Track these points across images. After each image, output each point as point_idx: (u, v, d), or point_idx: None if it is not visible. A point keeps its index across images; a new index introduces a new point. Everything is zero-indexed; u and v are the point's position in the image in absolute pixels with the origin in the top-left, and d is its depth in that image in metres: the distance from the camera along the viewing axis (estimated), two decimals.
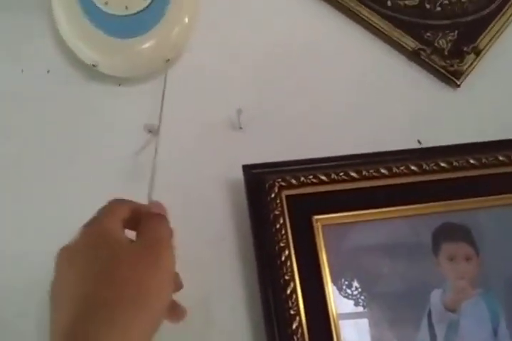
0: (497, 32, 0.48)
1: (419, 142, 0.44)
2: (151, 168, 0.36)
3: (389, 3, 0.48)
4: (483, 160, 0.41)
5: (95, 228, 0.30)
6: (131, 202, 0.32)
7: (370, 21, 0.47)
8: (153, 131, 0.38)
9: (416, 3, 0.49)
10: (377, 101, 0.45)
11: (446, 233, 0.39)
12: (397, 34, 0.47)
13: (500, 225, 0.40)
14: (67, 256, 0.29)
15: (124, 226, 0.31)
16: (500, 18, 0.49)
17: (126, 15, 0.40)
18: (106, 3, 0.39)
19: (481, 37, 0.48)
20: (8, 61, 0.42)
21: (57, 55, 0.42)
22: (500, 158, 0.41)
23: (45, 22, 0.42)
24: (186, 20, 0.41)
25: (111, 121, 0.41)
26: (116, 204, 0.31)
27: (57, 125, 0.41)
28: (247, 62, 0.43)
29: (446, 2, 0.49)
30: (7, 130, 0.41)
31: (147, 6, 0.40)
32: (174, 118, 0.40)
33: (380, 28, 0.47)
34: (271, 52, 0.44)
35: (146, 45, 0.40)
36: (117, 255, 0.28)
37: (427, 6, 0.49)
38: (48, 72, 0.42)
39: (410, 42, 0.47)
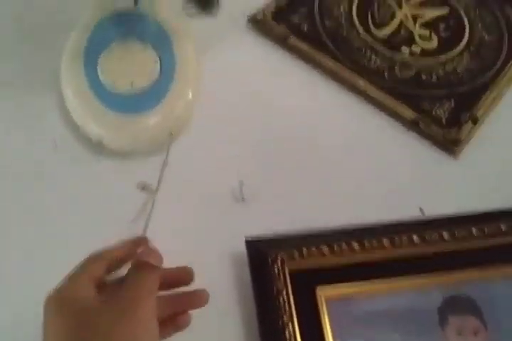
0: (493, 100, 0.50)
1: (421, 210, 0.44)
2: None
3: (386, 75, 0.50)
4: (486, 231, 0.41)
5: (64, 294, 0.29)
6: (110, 253, 0.32)
7: (369, 93, 0.49)
8: (146, 188, 0.39)
9: (412, 74, 0.50)
10: (377, 170, 0.45)
11: (453, 306, 0.39)
12: (395, 105, 0.48)
13: (507, 296, 0.40)
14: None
15: (98, 284, 0.30)
16: (495, 87, 0.50)
17: (132, 92, 0.41)
18: (112, 81, 0.41)
19: (478, 105, 0.49)
20: (17, 135, 0.44)
21: (64, 131, 0.43)
22: (503, 229, 0.41)
23: (54, 98, 0.43)
24: (190, 95, 0.42)
25: (111, 190, 0.41)
26: (88, 263, 0.31)
27: (60, 193, 0.42)
28: (248, 135, 0.44)
29: (442, 72, 0.51)
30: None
31: (153, 83, 0.41)
32: (176, 189, 0.41)
33: (378, 99, 0.49)
34: (272, 125, 0.45)
35: (152, 121, 0.41)
36: (85, 322, 0.28)
37: (423, 77, 0.50)
38: (55, 146, 0.43)
39: (408, 113, 0.48)
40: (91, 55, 0.41)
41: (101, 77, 0.41)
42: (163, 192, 0.40)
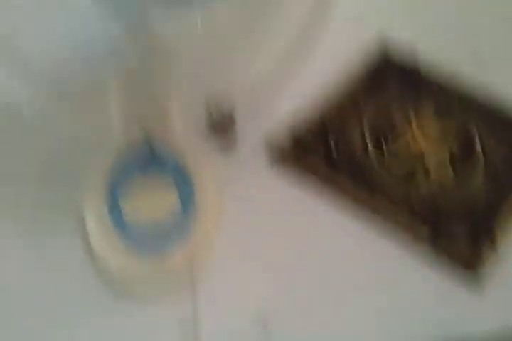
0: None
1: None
2: None
3: (403, 198, 0.51)
4: None
5: None
6: None
7: (388, 217, 0.50)
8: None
9: (429, 196, 0.52)
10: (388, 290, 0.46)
11: None
12: (413, 225, 0.49)
13: None
14: None
15: None
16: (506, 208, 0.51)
17: (155, 231, 0.42)
18: (136, 220, 0.42)
19: (495, 227, 0.50)
20: (39, 274, 0.45)
21: (87, 267, 0.44)
22: None
23: (78, 237, 0.45)
24: (211, 233, 0.43)
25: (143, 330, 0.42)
26: None
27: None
28: (270, 267, 0.45)
29: (456, 194, 0.52)
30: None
31: (174, 221, 0.42)
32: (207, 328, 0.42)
33: (397, 221, 0.50)
34: (293, 256, 0.46)
35: (175, 261, 0.42)
36: None
37: (440, 198, 0.52)
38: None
39: (424, 232, 0.49)
40: (113, 193, 0.43)
41: (124, 216, 0.42)
42: None
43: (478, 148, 0.56)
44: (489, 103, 0.58)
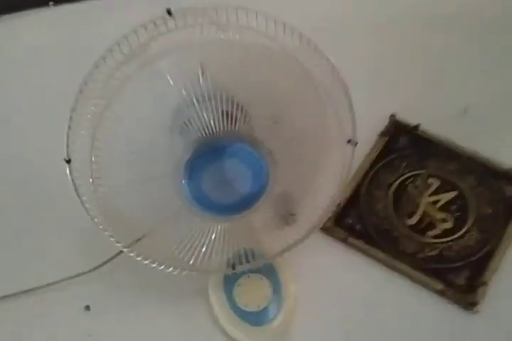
0: (497, 264, 0.76)
1: None
2: None
3: (419, 256, 0.76)
4: None
5: None
6: None
7: (407, 272, 0.74)
8: None
9: (437, 252, 0.77)
10: (413, 329, 0.71)
11: None
12: (426, 279, 0.74)
13: None
14: None
15: None
16: (497, 253, 0.76)
17: (258, 311, 0.69)
18: (245, 305, 0.69)
19: (486, 271, 0.75)
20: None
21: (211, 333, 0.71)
22: None
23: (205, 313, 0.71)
24: (294, 307, 0.70)
25: None
26: None
27: None
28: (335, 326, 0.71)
29: (458, 248, 0.77)
30: None
31: (269, 303, 0.69)
32: None
33: (414, 276, 0.74)
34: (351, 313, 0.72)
35: (273, 326, 0.69)
36: None
37: (445, 253, 0.76)
38: None
39: (438, 285, 0.74)
40: (228, 287, 0.69)
41: (237, 302, 0.69)
42: None
43: (472, 203, 0.79)
44: (479, 159, 0.80)
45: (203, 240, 0.61)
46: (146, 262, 0.61)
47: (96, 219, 0.58)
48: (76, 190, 0.57)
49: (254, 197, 0.60)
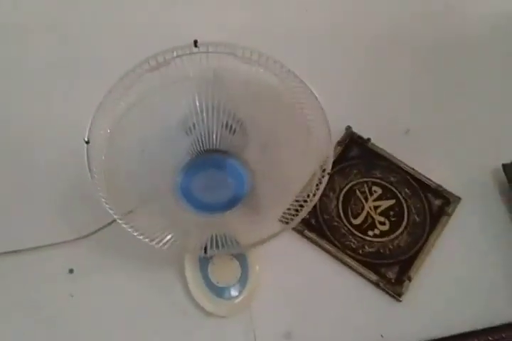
0: (421, 263, 0.93)
1: (381, 336, 0.87)
2: None
3: (360, 251, 0.92)
4: None
5: None
6: None
7: (350, 264, 0.89)
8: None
9: (375, 249, 0.92)
10: (350, 311, 0.87)
11: None
12: (365, 271, 0.90)
13: None
14: None
15: None
16: (422, 254, 0.93)
17: (225, 286, 0.81)
18: (217, 281, 0.81)
19: (412, 268, 0.92)
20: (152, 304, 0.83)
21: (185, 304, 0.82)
22: None
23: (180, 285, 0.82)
24: (257, 285, 0.83)
25: None
26: None
27: None
28: (291, 300, 0.85)
29: (391, 247, 0.93)
30: None
31: (237, 280, 0.82)
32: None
33: (355, 268, 0.88)
34: (305, 288, 0.87)
35: (236, 300, 0.82)
36: None
37: (381, 251, 0.92)
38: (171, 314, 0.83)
39: (373, 276, 0.90)
40: (203, 265, 0.81)
41: (210, 278, 0.81)
42: None
43: (406, 211, 0.96)
44: (414, 171, 0.95)
45: (183, 225, 0.71)
46: (135, 234, 0.69)
47: (99, 188, 0.66)
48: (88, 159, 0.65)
49: (232, 204, 0.71)
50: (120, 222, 0.66)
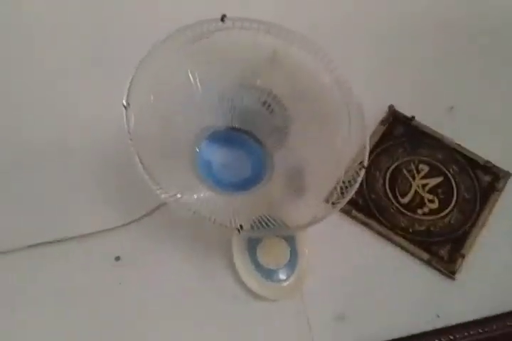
0: (474, 241, 0.89)
1: (437, 316, 0.84)
2: None
3: (410, 230, 0.89)
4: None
5: None
6: None
7: (400, 243, 0.87)
8: None
9: (425, 228, 0.89)
10: (403, 291, 0.84)
11: None
12: (416, 250, 0.87)
13: None
14: None
15: None
16: (473, 232, 0.90)
17: (277, 268, 0.79)
18: (267, 263, 0.79)
19: (464, 246, 0.89)
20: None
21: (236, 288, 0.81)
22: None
23: (229, 270, 0.81)
24: (306, 269, 0.80)
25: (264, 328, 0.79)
26: None
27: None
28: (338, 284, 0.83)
29: (442, 224, 0.90)
30: None
31: (287, 262, 0.79)
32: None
33: (406, 247, 0.87)
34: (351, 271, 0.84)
35: (286, 283, 0.79)
36: None
37: (431, 229, 0.89)
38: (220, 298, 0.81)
39: (425, 255, 0.87)
40: (251, 247, 0.79)
41: (259, 260, 0.79)
42: None
43: (455, 188, 0.93)
44: (460, 147, 0.93)
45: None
46: (190, 212, 0.66)
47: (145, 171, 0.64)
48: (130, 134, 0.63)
49: (250, 183, 0.70)
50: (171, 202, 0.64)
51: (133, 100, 0.62)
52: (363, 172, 0.66)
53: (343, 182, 0.69)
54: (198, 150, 0.65)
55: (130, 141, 0.61)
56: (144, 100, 0.65)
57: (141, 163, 0.61)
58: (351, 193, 0.68)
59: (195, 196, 0.66)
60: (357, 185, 0.67)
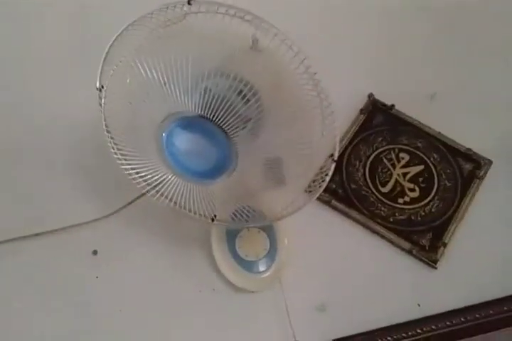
0: (454, 229, 0.89)
1: (418, 305, 0.84)
2: None
3: (391, 219, 0.88)
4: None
5: None
6: None
7: (380, 232, 0.86)
8: None
9: (406, 217, 0.88)
10: (384, 281, 0.84)
11: None
12: (397, 239, 0.86)
13: None
14: None
15: None
16: (455, 220, 0.89)
17: (256, 259, 0.78)
18: (245, 254, 0.78)
19: (445, 234, 0.88)
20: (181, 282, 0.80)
21: (213, 279, 0.79)
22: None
23: (207, 261, 0.79)
24: (285, 259, 0.79)
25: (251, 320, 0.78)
26: None
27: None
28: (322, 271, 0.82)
29: (423, 213, 0.89)
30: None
31: (266, 254, 0.78)
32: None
33: (386, 236, 0.86)
34: (336, 263, 0.83)
35: (266, 274, 0.78)
36: None
37: (412, 218, 0.88)
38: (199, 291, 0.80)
39: (406, 244, 0.86)
40: (231, 239, 0.78)
41: (238, 251, 0.78)
42: None
43: (435, 177, 0.92)
44: (443, 138, 0.92)
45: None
46: (167, 202, 0.67)
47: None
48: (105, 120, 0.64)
49: (213, 174, 0.68)
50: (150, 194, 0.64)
51: (108, 85, 0.63)
52: (333, 166, 0.65)
53: (321, 172, 0.67)
54: (164, 135, 0.63)
55: (105, 127, 0.60)
56: (118, 84, 0.65)
57: (117, 150, 0.62)
58: (324, 185, 0.68)
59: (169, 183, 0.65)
60: (328, 179, 0.67)
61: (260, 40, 0.66)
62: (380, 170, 0.87)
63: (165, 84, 0.62)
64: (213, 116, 0.60)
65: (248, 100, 0.65)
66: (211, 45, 0.64)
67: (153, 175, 0.64)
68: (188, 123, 0.63)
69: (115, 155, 0.63)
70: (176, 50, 0.63)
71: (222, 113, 0.60)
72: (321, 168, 0.67)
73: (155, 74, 0.62)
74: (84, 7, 0.93)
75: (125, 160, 0.64)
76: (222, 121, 0.60)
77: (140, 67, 0.63)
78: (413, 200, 0.87)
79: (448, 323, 0.77)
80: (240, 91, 0.65)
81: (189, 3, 0.60)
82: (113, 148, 0.63)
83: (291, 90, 0.67)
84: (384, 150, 0.90)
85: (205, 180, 0.66)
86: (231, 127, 0.61)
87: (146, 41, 0.63)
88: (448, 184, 0.89)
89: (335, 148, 0.66)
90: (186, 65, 0.62)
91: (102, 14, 0.91)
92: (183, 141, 0.63)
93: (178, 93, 0.62)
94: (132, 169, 0.64)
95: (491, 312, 0.78)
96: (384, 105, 0.93)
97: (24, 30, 0.91)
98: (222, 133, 0.61)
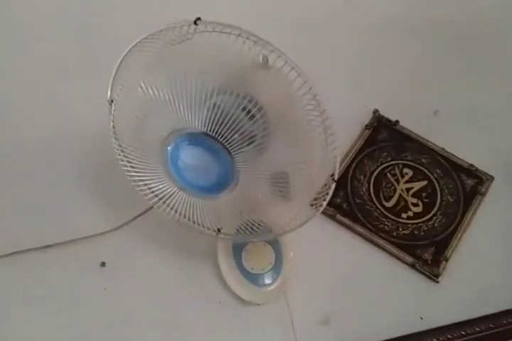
0: (457, 244, 0.90)
1: (421, 318, 0.85)
2: None
3: (394, 234, 0.89)
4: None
5: None
6: None
7: (384, 246, 0.87)
8: None
9: (409, 231, 0.90)
10: (387, 294, 0.85)
11: None
12: (400, 253, 0.87)
13: None
14: None
15: None
16: (457, 235, 0.90)
17: (262, 273, 0.79)
18: (251, 267, 0.79)
19: (448, 249, 0.89)
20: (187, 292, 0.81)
21: (219, 292, 0.81)
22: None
23: (213, 273, 0.81)
24: (292, 273, 0.81)
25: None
26: None
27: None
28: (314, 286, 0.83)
29: (426, 228, 0.90)
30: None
31: (272, 267, 0.80)
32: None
33: (390, 250, 0.87)
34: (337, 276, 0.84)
35: (271, 287, 0.79)
36: None
37: (415, 232, 0.90)
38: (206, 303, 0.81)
39: (409, 258, 0.88)
40: (237, 252, 0.79)
41: (244, 265, 0.79)
42: None
43: (439, 192, 0.93)
44: (444, 152, 0.93)
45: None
46: (173, 214, 0.68)
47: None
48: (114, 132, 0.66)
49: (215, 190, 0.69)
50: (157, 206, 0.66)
51: (118, 97, 0.65)
52: (333, 186, 0.66)
53: (323, 190, 0.69)
54: (169, 149, 0.64)
55: (114, 139, 0.63)
56: (126, 98, 0.66)
57: (126, 162, 0.64)
58: (325, 204, 0.68)
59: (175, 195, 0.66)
60: (328, 198, 0.67)
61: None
62: (384, 185, 0.89)
63: (170, 100, 0.63)
64: (217, 133, 0.61)
65: (253, 116, 0.66)
66: (216, 63, 0.66)
67: (161, 186, 0.66)
68: (194, 139, 0.64)
69: (124, 167, 0.64)
70: (181, 67, 0.64)
71: (225, 130, 0.61)
72: (323, 186, 0.68)
73: (160, 91, 0.64)
74: (95, 24, 0.94)
75: (134, 172, 0.65)
76: (225, 139, 0.61)
77: (147, 83, 0.64)
78: (416, 215, 0.88)
79: (449, 336, 0.78)
80: (244, 108, 0.66)
81: (195, 23, 0.62)
82: (122, 160, 0.65)
83: (294, 109, 0.68)
84: (388, 166, 0.91)
85: (209, 194, 0.67)
86: (234, 145, 0.62)
87: (154, 58, 0.64)
88: (451, 199, 0.90)
89: (335, 168, 0.66)
90: (190, 82, 0.63)
91: (111, 31, 0.92)
92: (188, 156, 0.65)
93: (182, 109, 0.63)
94: (141, 181, 0.65)
95: (491, 325, 0.79)
96: (389, 121, 0.94)
97: (36, 45, 0.93)
98: (225, 150, 0.63)
